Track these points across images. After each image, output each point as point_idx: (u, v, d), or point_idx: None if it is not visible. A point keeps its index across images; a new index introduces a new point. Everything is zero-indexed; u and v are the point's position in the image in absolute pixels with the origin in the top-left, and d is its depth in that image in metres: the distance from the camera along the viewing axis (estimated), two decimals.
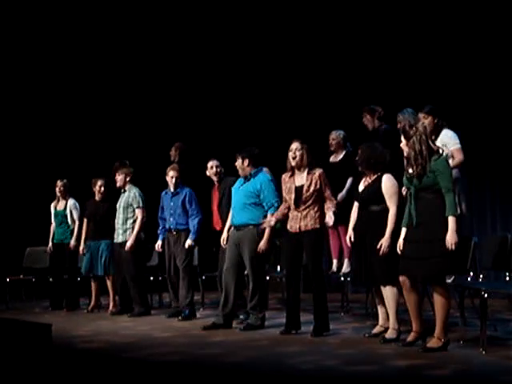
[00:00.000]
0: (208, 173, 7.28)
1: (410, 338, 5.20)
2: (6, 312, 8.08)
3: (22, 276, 8.92)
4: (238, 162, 6.46)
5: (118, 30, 10.19)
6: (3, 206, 9.92)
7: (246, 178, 6.45)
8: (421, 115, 6.04)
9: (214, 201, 7.24)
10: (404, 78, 9.27)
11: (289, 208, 6.00)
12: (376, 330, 5.71)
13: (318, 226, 5.86)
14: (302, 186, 5.89)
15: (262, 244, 6.25)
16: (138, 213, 7.77)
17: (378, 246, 5.37)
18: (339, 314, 7.22)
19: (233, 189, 6.60)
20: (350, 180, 7.03)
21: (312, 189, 5.86)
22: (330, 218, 5.75)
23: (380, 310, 5.72)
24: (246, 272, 6.48)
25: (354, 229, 5.71)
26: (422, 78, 9.13)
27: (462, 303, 5.59)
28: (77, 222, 8.51)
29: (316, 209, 5.88)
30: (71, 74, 10.31)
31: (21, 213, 9.85)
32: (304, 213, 5.87)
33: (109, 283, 8.11)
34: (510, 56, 8.71)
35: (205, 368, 4.76)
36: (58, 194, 8.65)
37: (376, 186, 5.56)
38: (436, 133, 5.95)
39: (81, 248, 8.30)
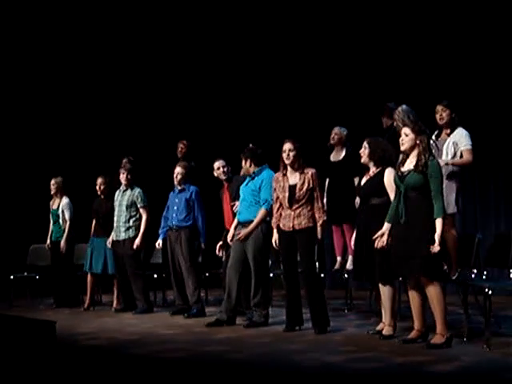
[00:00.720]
0: (215, 174, 7.28)
1: (412, 335, 5.22)
2: (11, 309, 8.09)
3: (25, 273, 8.94)
4: (243, 163, 6.60)
5: (120, 27, 10.16)
6: (7, 203, 9.94)
7: (251, 177, 6.54)
8: (439, 107, 6.06)
9: (225, 200, 7.21)
10: (404, 78, 9.24)
11: (280, 207, 6.05)
12: (380, 327, 5.71)
13: (311, 224, 5.92)
14: (296, 185, 5.95)
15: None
16: (143, 212, 7.80)
17: (374, 237, 5.34)
18: (343, 311, 7.23)
19: (241, 187, 6.68)
20: (356, 180, 7.02)
21: (305, 188, 5.92)
22: (319, 237, 5.91)
23: (382, 307, 5.73)
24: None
25: (356, 223, 5.73)
26: (423, 76, 9.11)
27: (466, 300, 5.59)
28: (68, 222, 8.50)
29: (309, 208, 5.94)
30: (75, 72, 10.31)
31: (25, 210, 9.87)
32: (297, 211, 5.93)
33: (115, 281, 8.13)
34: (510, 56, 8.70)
35: (209, 365, 4.77)
36: (52, 192, 8.67)
37: (378, 178, 5.57)
38: (451, 127, 5.99)
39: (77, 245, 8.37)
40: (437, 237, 4.89)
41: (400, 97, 7.20)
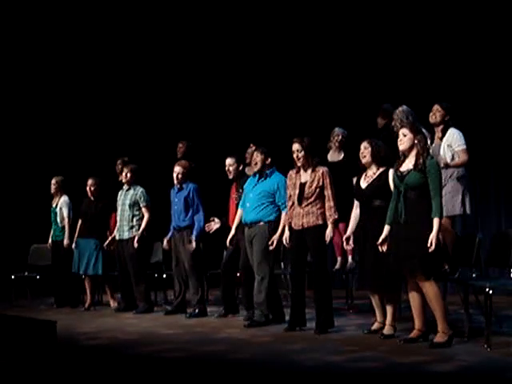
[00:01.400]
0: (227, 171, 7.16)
1: (413, 334, 5.22)
2: (11, 309, 8.09)
3: (26, 273, 8.95)
4: (260, 157, 6.45)
5: (120, 26, 10.19)
6: (8, 203, 9.95)
7: (262, 176, 6.47)
8: (436, 106, 6.11)
9: (232, 199, 7.16)
10: (404, 77, 9.24)
11: (293, 205, 6.00)
12: (375, 326, 5.72)
13: (320, 222, 5.84)
14: (306, 183, 5.90)
15: (275, 237, 6.26)
16: (145, 211, 7.81)
17: (379, 243, 5.32)
18: (344, 310, 7.22)
19: (245, 187, 6.62)
20: (355, 180, 7.01)
21: (314, 185, 5.86)
22: (328, 236, 5.78)
23: (376, 306, 5.73)
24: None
25: (357, 225, 5.70)
26: (423, 76, 9.11)
27: (467, 300, 5.59)
28: (66, 220, 8.50)
29: (319, 206, 5.87)
30: (75, 73, 10.33)
31: (25, 210, 9.88)
32: (306, 209, 5.87)
33: (106, 283, 8.23)
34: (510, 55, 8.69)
35: (210, 364, 4.77)
36: (52, 191, 8.68)
37: (382, 180, 5.53)
38: (442, 129, 6.05)
39: (73, 246, 8.34)
40: (433, 236, 4.88)
41: (396, 98, 7.20)
